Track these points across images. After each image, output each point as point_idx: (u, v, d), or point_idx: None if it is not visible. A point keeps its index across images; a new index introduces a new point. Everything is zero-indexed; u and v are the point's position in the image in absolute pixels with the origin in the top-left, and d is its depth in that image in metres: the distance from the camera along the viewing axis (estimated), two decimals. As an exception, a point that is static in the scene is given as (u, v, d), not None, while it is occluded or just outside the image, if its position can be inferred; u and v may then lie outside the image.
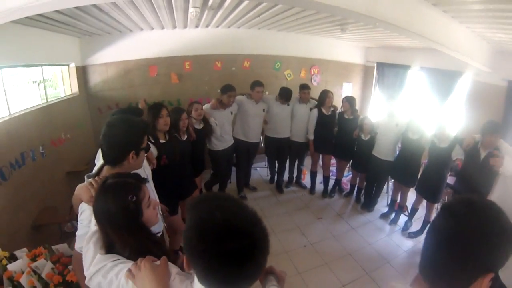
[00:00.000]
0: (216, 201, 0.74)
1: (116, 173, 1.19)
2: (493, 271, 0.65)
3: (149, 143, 1.63)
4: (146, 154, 1.56)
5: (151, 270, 0.87)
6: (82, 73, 4.25)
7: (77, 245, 1.32)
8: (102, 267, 0.98)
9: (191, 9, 3.08)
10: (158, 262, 0.92)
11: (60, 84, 4.08)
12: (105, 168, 1.41)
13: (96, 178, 1.33)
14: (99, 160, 1.79)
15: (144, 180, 1.20)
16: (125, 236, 1.05)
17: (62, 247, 2.16)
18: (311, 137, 4.28)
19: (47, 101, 3.60)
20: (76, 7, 2.53)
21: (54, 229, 3.20)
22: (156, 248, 1.11)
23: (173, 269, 0.92)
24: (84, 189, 1.29)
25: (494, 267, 0.66)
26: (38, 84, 3.53)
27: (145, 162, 1.74)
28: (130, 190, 1.10)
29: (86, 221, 1.27)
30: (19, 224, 2.80)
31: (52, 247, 2.12)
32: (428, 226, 0.55)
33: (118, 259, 1.00)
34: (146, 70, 4.60)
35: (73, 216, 3.13)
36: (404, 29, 2.51)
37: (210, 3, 2.99)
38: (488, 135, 2.75)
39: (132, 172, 1.33)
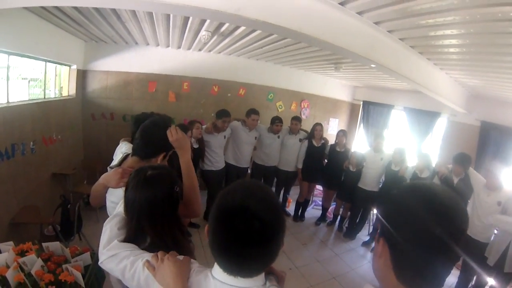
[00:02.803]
0: (245, 186, 0.77)
1: (153, 165, 1.21)
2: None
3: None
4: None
5: (174, 264, 0.87)
6: (82, 76, 4.27)
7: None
8: (116, 253, 0.98)
9: (203, 32, 3.26)
10: (181, 257, 0.92)
11: (52, 86, 4.00)
12: (131, 159, 1.47)
13: (125, 167, 1.40)
14: (117, 155, 1.84)
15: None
16: (162, 226, 1.08)
17: (53, 246, 2.07)
18: (300, 165, 4.45)
19: (44, 97, 3.56)
20: (95, 9, 2.64)
21: (33, 229, 3.02)
22: (185, 240, 1.15)
23: (194, 264, 0.92)
24: (112, 175, 1.34)
25: None
26: (29, 81, 3.46)
27: None
28: (175, 180, 1.15)
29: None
30: (-4, 217, 2.64)
31: (43, 244, 2.03)
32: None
33: (132, 249, 1.01)
34: (145, 84, 4.68)
35: (56, 219, 3.02)
36: (394, 72, 2.82)
37: (222, 29, 3.20)
38: (458, 165, 3.15)
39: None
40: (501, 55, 2.22)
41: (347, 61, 3.83)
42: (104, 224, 1.12)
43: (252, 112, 4.04)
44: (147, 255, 0.96)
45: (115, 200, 1.35)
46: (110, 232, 1.07)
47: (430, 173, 3.50)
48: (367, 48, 2.49)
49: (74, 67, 4.12)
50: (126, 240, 1.06)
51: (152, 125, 1.46)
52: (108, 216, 1.22)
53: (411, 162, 3.79)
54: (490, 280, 2.87)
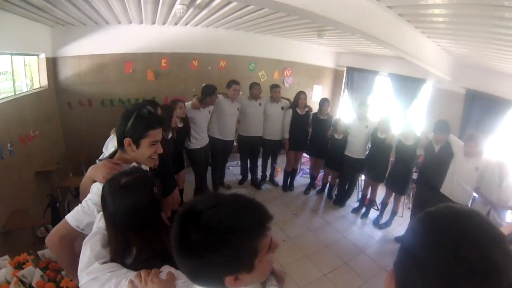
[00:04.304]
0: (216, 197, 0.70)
1: (124, 172, 1.12)
2: None
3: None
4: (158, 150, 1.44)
5: (158, 285, 0.85)
6: (52, 65, 3.96)
7: (70, 219, 1.24)
8: (97, 277, 0.94)
9: (178, 6, 3.05)
10: (163, 274, 0.89)
11: (23, 77, 3.73)
12: (118, 152, 1.40)
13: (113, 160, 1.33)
14: (106, 149, 1.79)
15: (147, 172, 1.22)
16: (149, 232, 1.04)
17: (48, 252, 2.04)
18: (287, 135, 4.46)
19: (15, 94, 3.30)
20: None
21: (26, 234, 2.96)
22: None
23: (179, 281, 0.89)
24: (99, 167, 1.28)
25: None
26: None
27: None
28: (151, 182, 1.08)
29: (96, 198, 1.20)
30: (-13, 230, 2.57)
31: (38, 252, 2.00)
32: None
33: (115, 270, 0.97)
34: (121, 66, 4.41)
35: (47, 220, 2.97)
36: (382, 41, 2.76)
37: (198, 1, 2.99)
38: (438, 132, 3.25)
39: (133, 165, 1.36)
40: (489, 26, 2.17)
41: (330, 28, 3.69)
42: (84, 242, 1.07)
43: (233, 82, 4.00)
44: (131, 274, 0.93)
45: (94, 200, 1.24)
46: (90, 252, 1.01)
47: (414, 141, 3.57)
48: (356, 18, 2.41)
49: (43, 55, 3.78)
50: (114, 257, 1.02)
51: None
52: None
53: (396, 130, 3.85)
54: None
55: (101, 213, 1.12)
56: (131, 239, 1.04)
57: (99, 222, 1.12)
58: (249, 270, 0.65)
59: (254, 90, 4.24)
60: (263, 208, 0.69)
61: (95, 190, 1.25)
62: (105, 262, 1.00)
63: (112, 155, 1.42)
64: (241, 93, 4.24)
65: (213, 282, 0.66)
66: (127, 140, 1.31)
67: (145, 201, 1.03)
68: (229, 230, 0.61)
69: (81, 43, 4.04)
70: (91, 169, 1.32)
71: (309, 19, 2.98)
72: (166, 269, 0.91)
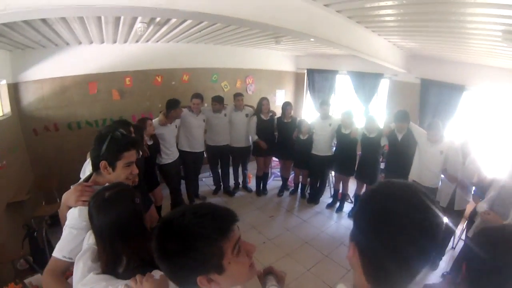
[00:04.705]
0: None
1: (108, 186, 1.21)
2: None
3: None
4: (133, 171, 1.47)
5: (152, 285, 0.90)
6: (14, 91, 3.84)
7: (55, 252, 1.25)
8: (92, 287, 0.99)
9: (138, 24, 3.11)
10: (157, 276, 0.95)
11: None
12: (93, 176, 1.42)
13: (85, 182, 1.37)
14: (84, 173, 1.79)
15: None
16: (136, 242, 1.09)
17: (35, 280, 2.01)
18: (255, 137, 4.54)
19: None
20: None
21: (5, 269, 2.86)
22: None
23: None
24: (71, 192, 1.31)
25: None
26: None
27: None
28: (132, 194, 1.16)
29: (78, 223, 1.24)
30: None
31: (25, 281, 1.97)
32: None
33: (109, 280, 1.02)
34: (85, 87, 4.34)
35: (26, 251, 2.88)
36: (333, 43, 2.94)
37: (158, 19, 3.05)
38: (399, 122, 3.49)
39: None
40: (434, 21, 2.37)
41: (285, 35, 3.86)
42: (76, 259, 1.12)
43: (193, 96, 4.09)
44: (125, 282, 0.98)
45: (71, 224, 1.25)
46: (83, 266, 1.08)
47: (378, 132, 3.80)
48: (306, 24, 2.55)
49: (4, 82, 3.66)
50: (105, 270, 1.08)
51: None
52: None
53: (359, 124, 4.07)
54: (444, 219, 3.31)
55: (90, 231, 1.17)
56: (119, 249, 1.09)
57: (89, 239, 1.17)
58: (219, 271, 0.72)
59: (213, 106, 4.32)
60: (226, 213, 0.76)
61: (71, 216, 1.28)
62: (99, 273, 1.06)
63: (87, 179, 1.45)
64: (206, 105, 4.33)
65: (190, 282, 0.73)
66: (103, 163, 1.35)
67: (128, 212, 1.10)
68: (192, 235, 0.69)
69: (42, 67, 3.95)
70: (64, 196, 1.34)
71: (259, 29, 3.10)
72: (156, 273, 0.97)
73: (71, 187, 1.36)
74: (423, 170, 3.36)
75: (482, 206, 2.48)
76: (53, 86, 4.12)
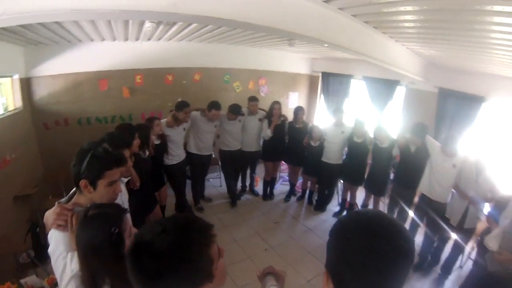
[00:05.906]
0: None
1: (97, 204, 1.17)
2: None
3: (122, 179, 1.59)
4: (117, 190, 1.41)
5: None
6: (27, 85, 3.90)
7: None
8: None
9: (147, 24, 3.08)
10: None
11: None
12: (76, 194, 1.36)
13: (64, 204, 1.29)
14: None
15: (125, 211, 1.20)
16: (111, 265, 1.05)
17: (31, 280, 2.03)
18: (269, 134, 4.35)
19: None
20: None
21: (8, 262, 2.92)
22: None
23: None
24: (49, 213, 1.24)
25: None
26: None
27: (124, 189, 1.72)
28: (112, 221, 1.10)
29: (58, 251, 1.19)
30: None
31: (21, 280, 1.99)
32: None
33: None
34: (96, 83, 4.37)
35: (28, 245, 2.93)
36: (347, 49, 2.81)
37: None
38: (415, 136, 3.32)
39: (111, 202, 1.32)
40: (455, 29, 2.23)
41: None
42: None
43: (213, 107, 3.91)
44: None
45: (51, 249, 1.20)
46: None
47: (389, 143, 3.63)
48: (320, 29, 2.44)
49: (16, 76, 3.73)
50: None
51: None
52: None
53: (372, 133, 3.90)
54: (453, 235, 3.15)
55: (71, 253, 1.14)
56: (100, 271, 1.06)
57: (72, 264, 1.13)
58: (210, 279, 0.72)
59: (229, 115, 4.15)
60: (202, 221, 0.77)
61: (53, 239, 1.22)
62: None
63: (70, 197, 1.38)
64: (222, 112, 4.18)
65: None
66: (83, 182, 1.27)
67: (101, 238, 1.05)
68: (184, 249, 0.68)
69: (55, 62, 3.99)
70: (45, 214, 1.28)
71: (271, 34, 3.01)
72: None
73: (56, 203, 1.29)
74: (433, 185, 3.20)
75: (493, 241, 2.24)
76: (65, 82, 4.17)
